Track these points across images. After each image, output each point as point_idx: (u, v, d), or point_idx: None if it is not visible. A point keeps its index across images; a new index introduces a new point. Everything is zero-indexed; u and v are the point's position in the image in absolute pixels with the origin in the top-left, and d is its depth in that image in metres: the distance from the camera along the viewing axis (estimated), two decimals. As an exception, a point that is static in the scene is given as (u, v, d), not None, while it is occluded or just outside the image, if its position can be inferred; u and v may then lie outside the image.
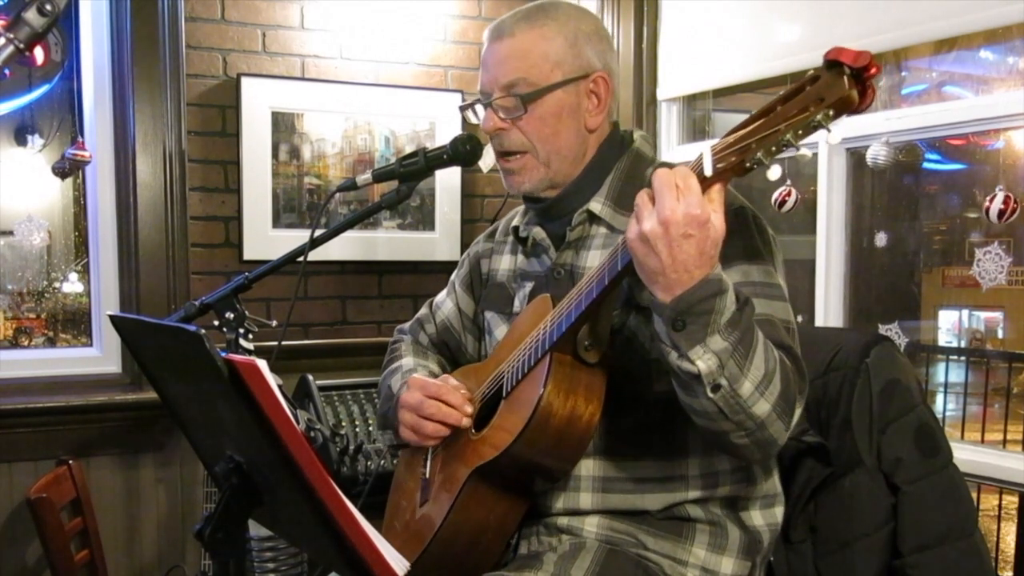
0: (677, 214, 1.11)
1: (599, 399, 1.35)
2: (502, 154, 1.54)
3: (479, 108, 1.55)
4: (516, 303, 1.62)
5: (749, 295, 1.24)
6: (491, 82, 1.51)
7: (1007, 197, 2.09)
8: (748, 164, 1.11)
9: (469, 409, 1.48)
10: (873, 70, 1.03)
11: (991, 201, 2.10)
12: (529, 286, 1.60)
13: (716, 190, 1.15)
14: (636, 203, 1.16)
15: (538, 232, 1.58)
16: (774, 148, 1.09)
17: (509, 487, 1.45)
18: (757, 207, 1.48)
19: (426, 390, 1.51)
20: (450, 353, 1.83)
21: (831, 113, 1.05)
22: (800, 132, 1.07)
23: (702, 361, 1.15)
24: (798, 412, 1.28)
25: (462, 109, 1.64)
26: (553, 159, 1.51)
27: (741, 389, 1.18)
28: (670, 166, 1.19)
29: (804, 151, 1.11)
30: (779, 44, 2.59)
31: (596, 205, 1.50)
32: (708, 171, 1.13)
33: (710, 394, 1.17)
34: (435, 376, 1.65)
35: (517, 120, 1.49)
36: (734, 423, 1.21)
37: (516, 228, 1.64)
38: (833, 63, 1.04)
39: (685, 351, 1.16)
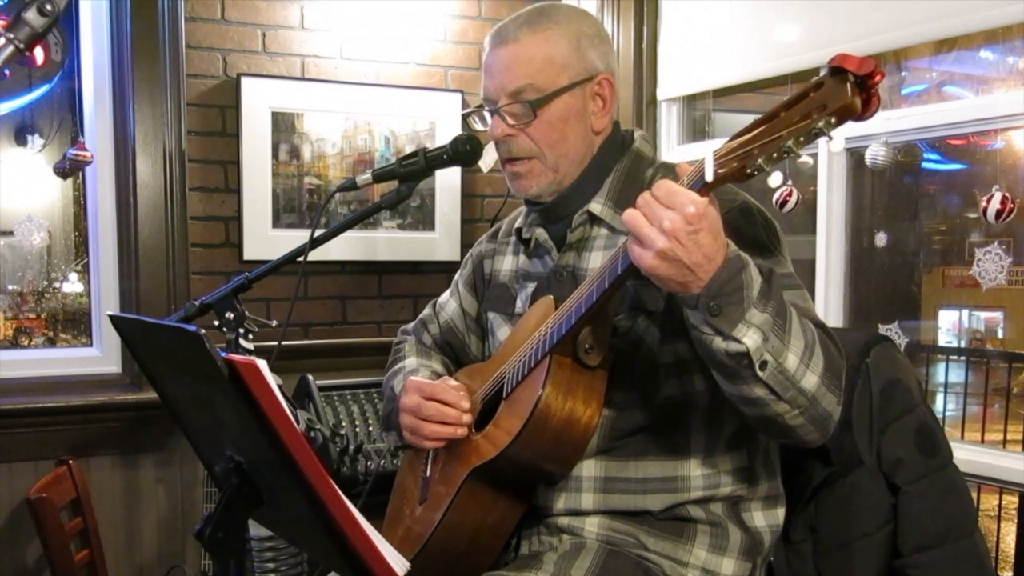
0: (677, 221, 1.11)
1: (599, 402, 1.35)
2: (508, 159, 1.53)
3: (484, 114, 1.54)
4: (518, 304, 1.62)
5: None
6: (497, 89, 1.50)
7: (1004, 197, 2.09)
8: (749, 170, 1.10)
9: (467, 406, 1.48)
10: (877, 77, 1.03)
11: (988, 202, 2.10)
12: (531, 287, 1.60)
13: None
14: (634, 232, 1.14)
15: (540, 234, 1.57)
16: (775, 155, 1.09)
17: (507, 488, 1.45)
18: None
19: (423, 392, 1.50)
20: (454, 353, 1.83)
21: (833, 120, 1.05)
22: (802, 139, 1.07)
23: (748, 338, 1.15)
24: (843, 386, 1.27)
25: (465, 117, 1.63)
26: (561, 163, 1.50)
27: (786, 362, 1.19)
28: (671, 167, 1.19)
29: (805, 158, 1.10)
30: (779, 44, 2.59)
31: (596, 206, 1.50)
32: (709, 176, 1.13)
33: (759, 372, 1.17)
34: (439, 376, 1.64)
35: (526, 126, 1.48)
36: (786, 402, 1.21)
37: (519, 230, 1.64)
38: (837, 70, 1.04)
39: (728, 332, 1.16)
